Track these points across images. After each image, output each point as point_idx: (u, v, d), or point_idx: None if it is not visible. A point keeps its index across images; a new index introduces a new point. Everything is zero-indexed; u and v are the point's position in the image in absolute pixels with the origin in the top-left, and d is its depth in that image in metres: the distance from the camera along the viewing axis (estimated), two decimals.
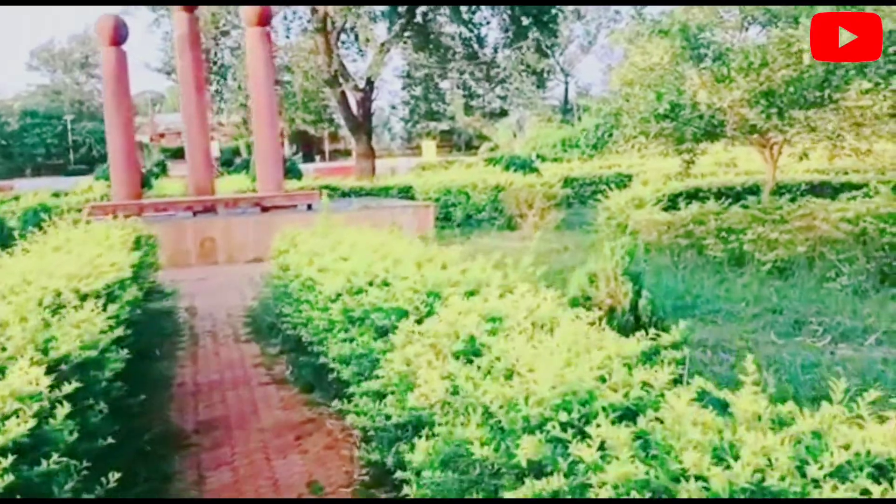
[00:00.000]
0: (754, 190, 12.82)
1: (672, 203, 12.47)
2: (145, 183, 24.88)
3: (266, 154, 15.25)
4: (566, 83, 74.07)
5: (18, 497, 2.41)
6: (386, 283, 4.40)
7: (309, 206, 14.97)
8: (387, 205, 15.15)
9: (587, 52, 75.73)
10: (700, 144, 10.44)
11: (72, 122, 63.58)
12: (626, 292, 3.77)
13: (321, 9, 28.67)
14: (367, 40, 28.28)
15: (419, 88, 38.65)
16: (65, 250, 6.17)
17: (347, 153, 70.91)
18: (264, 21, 15.09)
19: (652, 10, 8.77)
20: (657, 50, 9.31)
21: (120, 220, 8.65)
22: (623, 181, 21.22)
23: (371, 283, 4.50)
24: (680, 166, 11.15)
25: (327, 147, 71.92)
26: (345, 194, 19.67)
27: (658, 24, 8.48)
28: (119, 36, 13.96)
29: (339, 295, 4.54)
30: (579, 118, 62.09)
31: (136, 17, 30.66)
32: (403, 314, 3.89)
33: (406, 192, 19.70)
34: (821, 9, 7.58)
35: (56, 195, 18.90)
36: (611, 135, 9.96)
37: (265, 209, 14.60)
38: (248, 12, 15.03)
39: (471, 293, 3.98)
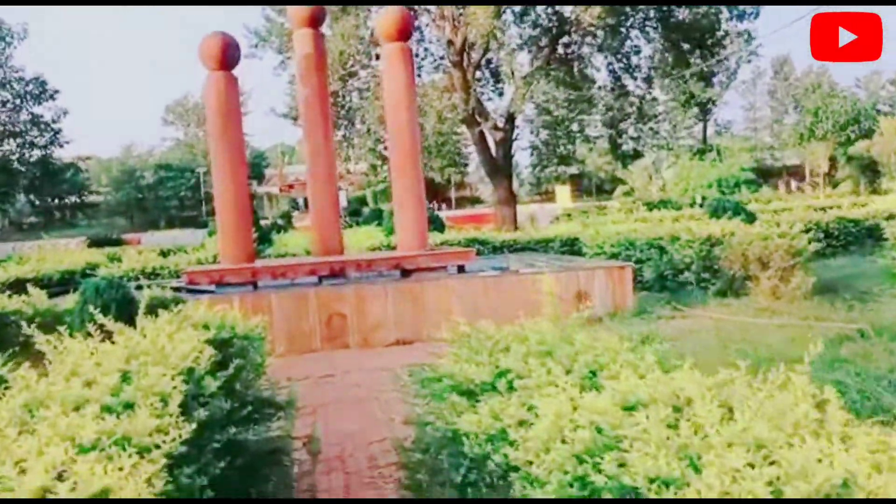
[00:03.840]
0: None
1: None
2: (265, 238, 22.30)
3: (407, 199, 11.98)
4: (705, 121, 68.98)
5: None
6: None
7: (461, 269, 11.56)
8: (569, 266, 11.49)
9: (726, 89, 70.45)
10: None
11: (204, 174, 63.91)
12: None
13: (458, 41, 25.81)
14: (512, 73, 25.11)
15: (554, 130, 35.18)
16: (57, 402, 2.84)
17: (475, 200, 68.10)
18: (405, 35, 11.99)
19: None
20: None
21: (204, 305, 5.39)
22: (850, 227, 16.76)
23: None
24: None
25: (453, 194, 69.32)
26: (496, 249, 16.24)
27: None
28: (228, 58, 11.08)
29: None
30: (720, 157, 56.80)
31: (262, 60, 28.64)
32: None
33: (571, 246, 16.06)
34: None
35: (164, 254, 16.43)
36: None
37: (406, 272, 11.28)
38: (384, 25, 11.97)
39: None
